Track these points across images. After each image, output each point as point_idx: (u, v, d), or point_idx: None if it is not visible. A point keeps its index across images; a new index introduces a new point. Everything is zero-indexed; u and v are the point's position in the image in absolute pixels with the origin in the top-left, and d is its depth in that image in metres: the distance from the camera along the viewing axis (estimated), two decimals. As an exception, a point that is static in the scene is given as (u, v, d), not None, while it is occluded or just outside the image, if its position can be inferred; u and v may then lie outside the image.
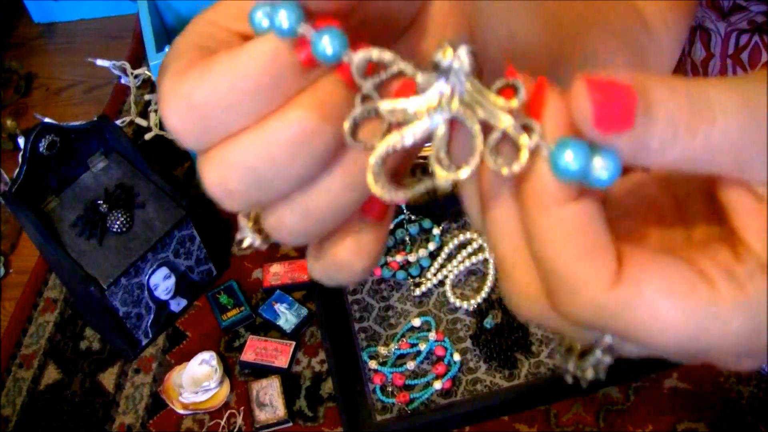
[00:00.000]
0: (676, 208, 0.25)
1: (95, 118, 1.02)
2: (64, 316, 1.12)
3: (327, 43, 0.21)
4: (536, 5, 0.35)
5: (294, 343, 1.02)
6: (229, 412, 0.98)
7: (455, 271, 1.04)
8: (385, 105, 0.22)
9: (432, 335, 0.98)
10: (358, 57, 0.21)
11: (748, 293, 0.20)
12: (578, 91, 0.19)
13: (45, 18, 1.69)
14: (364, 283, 1.05)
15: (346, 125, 0.21)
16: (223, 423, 0.97)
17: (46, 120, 1.35)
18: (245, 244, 0.26)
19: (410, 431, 0.92)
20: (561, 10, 0.38)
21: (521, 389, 0.93)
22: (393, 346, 0.98)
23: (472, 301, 1.00)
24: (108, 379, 1.04)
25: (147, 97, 1.42)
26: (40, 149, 0.95)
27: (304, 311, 1.05)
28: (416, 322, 1.00)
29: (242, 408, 0.98)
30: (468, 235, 1.07)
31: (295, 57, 0.21)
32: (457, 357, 0.96)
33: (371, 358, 0.98)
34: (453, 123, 0.22)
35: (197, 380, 0.98)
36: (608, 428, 0.90)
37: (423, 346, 0.97)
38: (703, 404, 0.90)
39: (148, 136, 1.34)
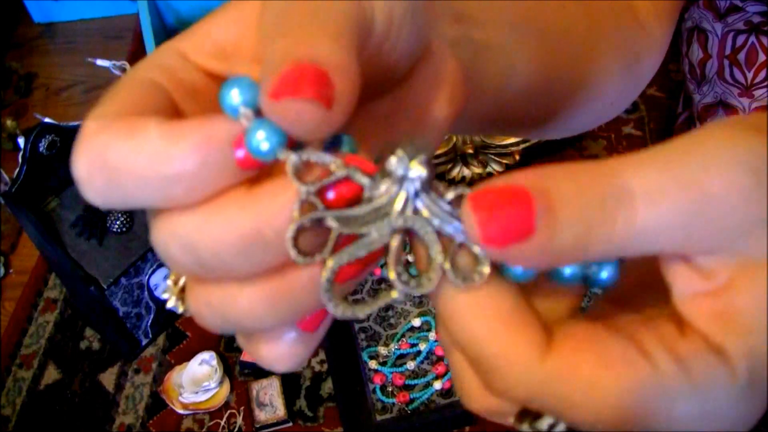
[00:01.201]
0: (648, 289, 0.23)
1: (95, 119, 1.02)
2: (64, 316, 1.12)
3: (262, 139, 0.19)
4: (530, 29, 0.35)
5: (294, 343, 1.02)
6: (229, 412, 0.98)
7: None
8: (333, 215, 0.20)
9: (432, 335, 0.98)
10: (293, 159, 0.19)
11: (693, 376, 0.18)
12: (464, 211, 0.18)
13: (45, 18, 1.69)
14: (364, 283, 1.05)
15: (288, 237, 0.19)
16: (223, 423, 0.97)
17: (46, 120, 1.35)
18: (168, 305, 0.24)
19: (410, 431, 0.92)
20: (555, 21, 0.37)
21: (521, 389, 0.93)
22: (393, 346, 0.99)
23: (472, 301, 1.00)
24: (108, 379, 1.04)
25: (147, 97, 1.42)
26: (40, 149, 0.95)
27: (304, 311, 1.05)
28: (416, 322, 1.00)
29: (242, 408, 0.98)
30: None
31: (232, 153, 0.19)
32: (456, 357, 0.96)
33: (371, 358, 0.98)
34: (407, 233, 0.21)
35: (197, 380, 0.99)
36: (607, 428, 0.90)
37: (423, 346, 0.97)
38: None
39: (148, 137, 1.34)
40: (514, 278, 0.20)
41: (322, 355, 1.01)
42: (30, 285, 1.17)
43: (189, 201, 0.19)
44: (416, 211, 0.20)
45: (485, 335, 0.19)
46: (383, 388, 0.95)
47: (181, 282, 0.23)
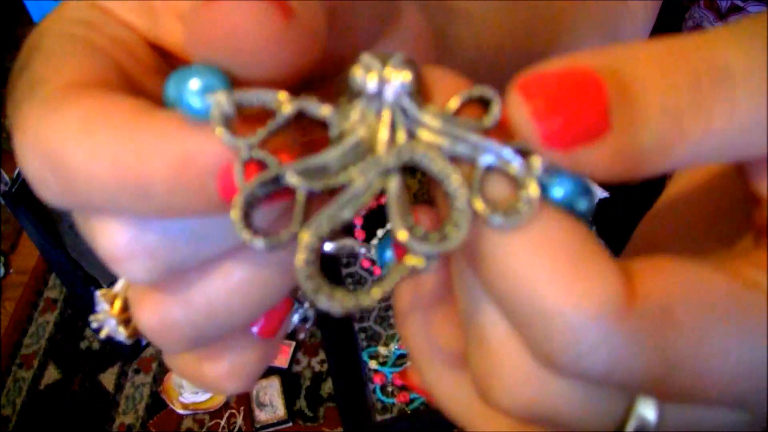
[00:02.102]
0: (708, 228, 0.18)
1: (95, 119, 1.02)
2: (64, 316, 1.12)
3: (196, 89, 0.14)
4: (505, 5, 0.34)
5: (294, 343, 1.02)
6: (229, 412, 0.98)
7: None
8: (293, 169, 0.14)
9: (432, 335, 0.98)
10: (221, 102, 0.14)
11: None
12: (512, 103, 0.13)
13: (45, 18, 1.69)
14: (364, 283, 1.05)
15: (236, 214, 0.14)
16: (223, 423, 0.97)
17: (46, 120, 1.35)
18: (103, 333, 0.20)
19: (410, 431, 0.92)
20: (537, 2, 0.36)
21: (521, 389, 0.93)
22: (393, 346, 0.98)
23: (472, 301, 1.00)
24: (108, 379, 1.04)
25: (147, 97, 1.42)
26: (40, 149, 0.95)
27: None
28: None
29: (242, 408, 0.98)
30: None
31: (213, 183, 0.14)
32: (456, 357, 0.96)
33: (371, 358, 0.98)
34: (404, 171, 0.14)
35: (197, 380, 0.99)
36: (608, 428, 0.89)
37: (423, 346, 0.97)
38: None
39: (148, 136, 1.34)
40: (566, 207, 0.14)
41: (322, 355, 1.01)
42: (30, 285, 1.17)
43: (154, 206, 0.15)
44: (411, 135, 0.14)
45: (547, 283, 0.13)
46: (383, 388, 0.95)
47: (117, 303, 0.19)
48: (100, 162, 0.14)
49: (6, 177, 1.24)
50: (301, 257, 0.14)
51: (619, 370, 0.13)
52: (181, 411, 0.98)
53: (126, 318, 0.19)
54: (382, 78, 0.14)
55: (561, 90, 0.13)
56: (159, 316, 0.17)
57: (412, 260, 0.14)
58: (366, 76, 0.14)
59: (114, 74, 0.16)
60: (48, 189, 0.16)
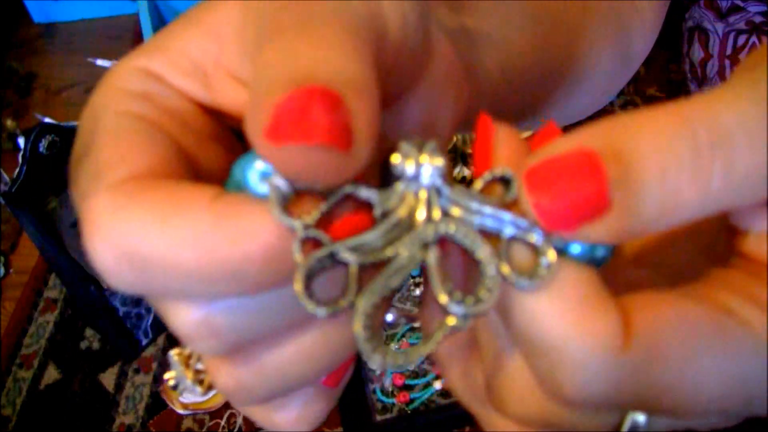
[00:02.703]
0: (688, 239, 0.20)
1: (95, 119, 1.02)
2: (64, 316, 1.12)
3: (256, 178, 0.16)
4: (525, 16, 0.34)
5: (294, 343, 1.02)
6: (229, 412, 0.98)
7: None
8: (345, 245, 0.16)
9: (432, 335, 0.98)
10: (279, 186, 0.15)
11: None
12: (519, 191, 0.15)
13: (45, 18, 1.69)
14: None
15: (298, 287, 0.15)
16: (223, 423, 0.97)
17: (46, 120, 1.35)
18: (179, 389, 0.21)
19: (410, 431, 0.92)
20: (548, 5, 0.37)
21: (521, 389, 0.93)
22: (393, 346, 0.98)
23: (472, 301, 1.00)
24: (108, 379, 1.04)
25: (147, 97, 1.42)
26: (40, 149, 0.95)
27: (304, 311, 1.05)
28: (416, 322, 1.00)
29: (242, 408, 0.98)
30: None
31: (288, 252, 0.15)
32: (456, 357, 0.96)
33: (371, 358, 0.98)
34: (442, 242, 0.16)
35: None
36: (608, 428, 0.89)
37: (423, 346, 0.97)
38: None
39: (148, 136, 1.34)
40: (585, 259, 0.16)
41: (322, 355, 1.01)
42: (30, 285, 1.17)
43: (236, 295, 0.16)
44: (445, 213, 0.16)
45: (558, 326, 0.15)
46: (383, 388, 0.95)
47: (191, 365, 0.20)
48: (183, 252, 0.15)
49: (6, 177, 1.24)
50: (358, 323, 0.16)
51: (615, 396, 0.15)
52: (181, 411, 0.98)
53: (199, 378, 0.19)
54: (418, 163, 0.16)
55: (562, 174, 0.14)
56: (234, 381, 0.18)
57: (452, 321, 0.16)
58: (404, 162, 0.16)
59: (174, 155, 0.17)
60: (123, 280, 0.16)
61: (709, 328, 0.15)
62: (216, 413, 0.97)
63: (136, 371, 1.04)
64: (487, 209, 0.16)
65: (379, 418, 0.93)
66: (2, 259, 1.22)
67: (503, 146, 0.16)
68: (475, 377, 0.21)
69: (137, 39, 1.50)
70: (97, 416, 1.00)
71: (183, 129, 0.18)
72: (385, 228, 0.16)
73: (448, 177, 0.16)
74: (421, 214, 0.16)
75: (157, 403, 1.00)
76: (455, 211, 0.16)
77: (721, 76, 0.58)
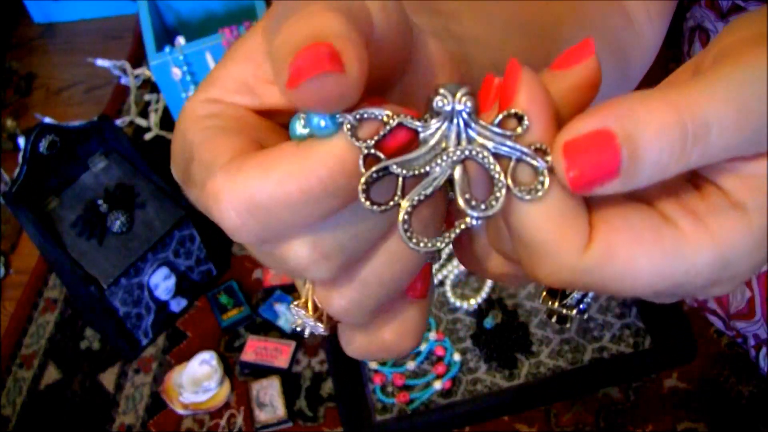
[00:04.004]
0: None
1: (95, 118, 1.02)
2: (64, 316, 1.12)
3: (319, 118, 0.21)
4: (512, 24, 0.36)
5: (294, 343, 1.02)
6: (229, 412, 0.98)
7: (455, 271, 1.04)
8: (395, 162, 0.22)
9: (432, 335, 0.98)
10: (349, 118, 0.21)
11: (711, 229, 0.21)
12: (555, 156, 0.20)
13: (45, 18, 1.69)
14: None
15: (361, 191, 0.21)
16: (223, 423, 0.97)
17: (46, 120, 1.35)
18: (307, 333, 0.27)
19: (410, 431, 0.92)
20: (540, 18, 0.38)
21: (521, 389, 0.93)
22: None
23: (472, 301, 1.00)
24: (108, 379, 1.04)
25: (147, 97, 1.42)
26: (40, 149, 0.95)
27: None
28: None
29: (242, 408, 0.98)
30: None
31: (356, 165, 0.21)
32: (457, 357, 0.96)
33: (371, 358, 0.98)
34: (465, 162, 0.22)
35: (197, 380, 0.98)
36: (608, 428, 0.90)
37: (423, 346, 0.97)
38: (703, 404, 0.90)
39: (148, 136, 1.34)
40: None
41: (322, 355, 1.01)
42: (30, 285, 1.17)
43: (336, 208, 0.21)
44: (470, 140, 0.21)
45: (541, 227, 0.21)
46: (383, 388, 0.95)
47: (309, 307, 0.26)
48: (288, 186, 0.20)
49: (6, 177, 1.24)
50: (401, 217, 0.22)
51: (573, 282, 0.21)
52: (181, 411, 0.98)
53: (319, 315, 0.26)
54: (452, 103, 0.21)
55: (589, 149, 0.20)
56: (346, 300, 0.24)
57: (467, 219, 0.22)
58: (442, 101, 0.21)
59: (250, 142, 0.22)
60: (249, 231, 0.21)
61: (648, 234, 0.21)
62: (216, 413, 0.97)
63: (136, 371, 1.04)
64: (501, 138, 0.21)
65: (379, 418, 0.93)
66: (2, 259, 1.22)
67: (524, 90, 0.21)
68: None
69: (137, 39, 1.50)
70: (97, 416, 1.00)
71: (247, 126, 0.23)
72: (425, 150, 0.22)
73: (475, 113, 0.21)
74: (452, 141, 0.22)
75: (157, 403, 1.00)
76: (478, 139, 0.21)
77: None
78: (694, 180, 0.22)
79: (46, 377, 1.05)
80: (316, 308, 0.26)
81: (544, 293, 0.27)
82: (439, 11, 0.31)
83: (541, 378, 0.94)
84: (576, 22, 0.40)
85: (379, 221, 0.23)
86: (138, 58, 1.49)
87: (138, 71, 1.46)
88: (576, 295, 0.25)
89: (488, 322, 0.99)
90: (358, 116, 0.21)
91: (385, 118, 0.21)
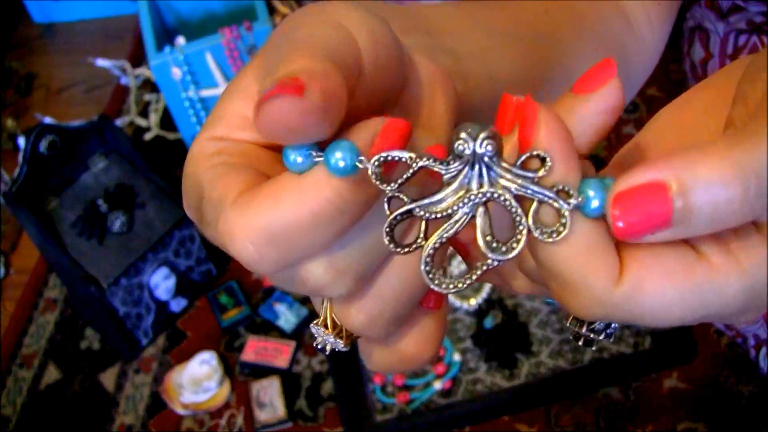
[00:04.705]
0: None
1: (95, 118, 1.02)
2: (64, 316, 1.12)
3: (339, 158, 0.21)
4: (509, 34, 0.36)
5: (294, 343, 1.02)
6: (229, 412, 0.98)
7: (455, 272, 1.04)
8: (418, 206, 0.22)
9: (432, 335, 0.98)
10: (372, 163, 0.22)
11: (740, 260, 0.21)
12: (610, 212, 0.20)
13: (45, 18, 1.69)
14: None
15: (384, 233, 0.22)
16: (223, 423, 0.97)
17: (46, 120, 1.35)
18: (327, 349, 0.27)
19: (410, 431, 0.92)
20: (537, 26, 0.38)
21: (521, 389, 0.93)
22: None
23: (472, 301, 1.00)
24: (108, 379, 1.04)
25: (147, 97, 1.42)
26: (40, 149, 0.95)
27: (304, 311, 1.05)
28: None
29: (242, 408, 0.98)
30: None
31: (352, 189, 0.21)
32: (457, 357, 0.96)
33: (371, 358, 0.98)
34: (488, 203, 0.22)
35: (197, 380, 0.98)
36: (608, 428, 0.90)
37: (423, 346, 0.97)
38: (703, 404, 0.90)
39: (148, 136, 1.34)
40: (590, 215, 0.21)
41: (321, 355, 1.01)
42: (30, 285, 1.17)
43: (349, 225, 0.22)
44: (492, 182, 0.22)
45: (572, 262, 0.21)
46: (383, 388, 0.95)
47: (329, 325, 0.26)
48: (299, 211, 0.21)
49: (6, 177, 1.24)
50: (423, 259, 0.22)
51: (605, 316, 0.22)
52: (181, 411, 0.98)
53: (338, 332, 0.27)
54: (473, 148, 0.21)
55: (642, 200, 0.19)
56: (364, 314, 0.25)
57: (488, 261, 0.22)
58: (466, 145, 0.21)
59: (256, 175, 0.23)
60: (269, 260, 0.22)
61: (679, 269, 0.21)
62: (216, 413, 0.97)
63: (136, 371, 1.04)
64: (523, 181, 0.21)
65: (379, 418, 0.93)
66: (2, 259, 1.22)
67: (543, 129, 0.21)
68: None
69: (137, 39, 1.50)
70: (97, 416, 1.00)
71: (251, 159, 0.24)
72: (447, 192, 0.22)
73: (498, 155, 0.21)
74: (474, 183, 0.22)
75: (157, 403, 1.00)
76: (500, 182, 0.22)
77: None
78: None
79: (46, 377, 1.05)
80: (335, 325, 0.26)
81: (572, 316, 0.27)
82: (430, 30, 0.32)
83: (541, 378, 0.94)
84: (574, 28, 0.40)
85: (382, 238, 0.23)
86: (138, 58, 1.50)
87: (138, 71, 1.46)
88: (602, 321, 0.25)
89: (488, 322, 0.99)
90: (382, 159, 0.22)
91: (410, 161, 0.22)
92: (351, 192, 0.21)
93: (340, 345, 0.27)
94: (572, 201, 0.21)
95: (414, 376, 0.95)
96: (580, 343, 0.26)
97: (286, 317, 1.04)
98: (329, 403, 0.97)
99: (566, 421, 0.91)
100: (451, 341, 0.98)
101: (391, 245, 0.22)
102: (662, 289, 0.21)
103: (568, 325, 0.27)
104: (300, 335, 1.04)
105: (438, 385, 0.94)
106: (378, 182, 0.22)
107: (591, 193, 0.21)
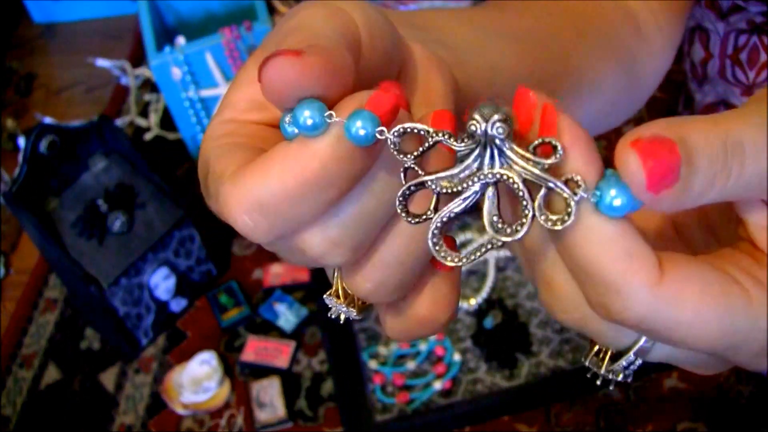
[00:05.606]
0: (704, 231, 0.27)
1: (95, 118, 1.02)
2: (64, 316, 1.12)
3: (360, 126, 0.22)
4: (506, 35, 0.37)
5: (294, 343, 1.02)
6: (229, 412, 0.98)
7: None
8: (431, 179, 0.23)
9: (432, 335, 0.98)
10: (392, 134, 0.22)
11: None
12: (630, 159, 0.20)
13: (45, 18, 1.69)
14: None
15: (398, 202, 0.23)
16: (223, 423, 0.97)
17: (46, 120, 1.35)
18: (341, 318, 0.28)
19: (410, 431, 0.92)
20: (536, 30, 0.39)
21: (521, 389, 0.93)
22: (393, 346, 0.98)
23: (472, 301, 1.00)
24: (108, 379, 1.04)
25: (147, 97, 1.42)
26: (40, 149, 0.95)
27: (304, 311, 1.05)
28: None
29: (242, 408, 0.98)
30: (468, 235, 1.07)
31: (349, 143, 0.22)
32: (457, 357, 0.96)
33: (371, 357, 0.98)
34: (497, 185, 0.23)
35: (197, 380, 0.98)
36: (608, 428, 0.90)
37: (423, 346, 0.97)
38: (703, 404, 0.90)
39: (148, 136, 1.34)
40: (612, 213, 0.21)
41: (322, 355, 1.01)
42: (30, 285, 1.17)
43: (338, 196, 0.23)
44: (503, 164, 0.22)
45: (612, 264, 0.21)
46: (383, 388, 0.95)
47: (340, 295, 0.27)
48: (288, 181, 0.22)
49: (6, 177, 1.24)
50: (430, 231, 0.23)
51: (641, 320, 0.21)
52: (181, 411, 0.98)
53: (350, 301, 0.27)
54: (485, 130, 0.21)
55: (657, 154, 0.20)
56: (369, 282, 0.25)
57: (492, 240, 0.22)
58: (478, 125, 0.21)
59: (259, 152, 0.24)
60: (263, 230, 0.23)
61: (718, 288, 0.21)
62: (216, 413, 0.97)
63: (136, 371, 1.04)
64: (533, 167, 0.21)
65: (379, 418, 0.93)
66: (2, 259, 1.22)
67: (566, 132, 0.21)
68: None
69: (137, 39, 1.50)
70: (97, 416, 1.00)
71: (258, 140, 0.26)
72: (459, 169, 0.22)
73: (509, 137, 0.22)
74: (486, 163, 0.22)
75: (157, 403, 1.00)
76: (512, 165, 0.22)
77: (722, 75, 0.58)
78: (745, 249, 0.23)
79: (46, 377, 1.05)
80: (346, 295, 0.27)
81: (591, 354, 0.27)
82: (427, 27, 0.33)
83: (541, 378, 0.94)
84: (579, 30, 0.41)
85: (378, 207, 0.24)
86: (138, 58, 1.49)
87: (138, 71, 1.46)
88: (624, 362, 0.25)
89: (488, 322, 0.99)
90: (402, 130, 0.22)
91: (427, 135, 0.22)
92: (335, 160, 0.22)
93: (353, 314, 0.27)
94: (579, 191, 0.21)
95: (414, 376, 0.95)
96: (597, 382, 0.27)
97: (286, 317, 1.04)
98: (329, 403, 0.97)
99: (566, 421, 0.91)
100: (451, 341, 0.98)
101: (403, 214, 0.23)
102: (700, 303, 0.21)
103: (587, 364, 0.27)
104: (300, 335, 1.04)
105: (438, 385, 0.94)
106: (396, 152, 0.22)
107: (613, 192, 0.21)
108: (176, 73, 1.12)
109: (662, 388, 0.92)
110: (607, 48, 0.43)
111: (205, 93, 1.16)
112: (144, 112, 1.40)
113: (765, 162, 0.21)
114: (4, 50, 1.63)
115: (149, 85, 1.44)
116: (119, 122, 1.35)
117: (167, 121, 1.33)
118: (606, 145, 1.19)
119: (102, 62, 1.46)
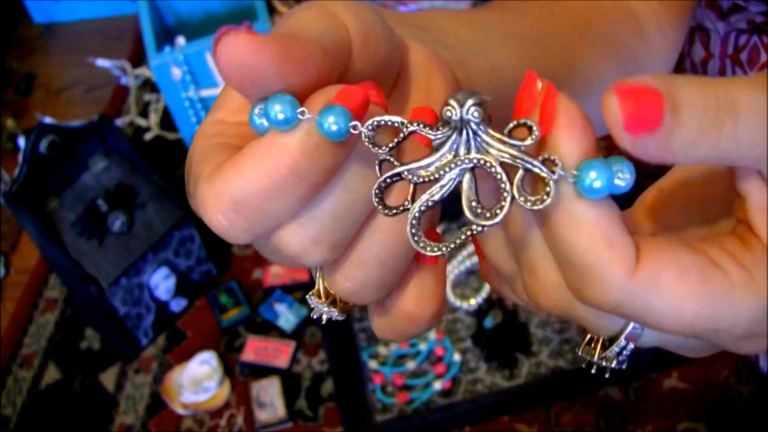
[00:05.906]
0: (697, 208, 0.27)
1: (95, 118, 1.02)
2: (64, 316, 1.12)
3: (332, 122, 0.21)
4: (508, 35, 0.37)
5: (294, 343, 1.02)
6: (229, 412, 0.98)
7: (455, 271, 1.04)
8: (406, 169, 0.22)
9: (432, 335, 0.98)
10: (366, 127, 0.22)
11: (754, 278, 0.21)
12: (610, 101, 0.20)
13: (45, 18, 1.69)
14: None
15: (374, 195, 0.23)
16: (223, 423, 0.97)
17: (46, 120, 1.35)
18: (324, 318, 0.27)
19: (410, 431, 0.92)
20: (536, 31, 0.39)
21: (521, 389, 0.93)
22: (393, 346, 0.98)
23: (472, 301, 1.00)
24: (108, 379, 1.04)
25: (147, 97, 1.42)
26: (40, 149, 0.95)
27: (304, 311, 1.05)
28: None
29: (242, 408, 0.98)
30: (468, 235, 1.07)
31: (319, 136, 0.22)
32: (457, 357, 0.96)
33: (371, 357, 0.98)
34: (475, 170, 0.22)
35: (197, 380, 0.98)
36: (608, 428, 0.90)
37: (423, 346, 0.97)
38: (703, 404, 0.90)
39: (148, 136, 1.34)
40: (619, 191, 0.21)
41: (322, 355, 1.01)
42: (30, 285, 1.17)
43: (312, 192, 0.22)
44: (479, 149, 0.22)
45: (590, 248, 0.21)
46: (383, 388, 0.95)
47: (322, 295, 0.27)
48: (258, 178, 0.22)
49: (6, 177, 1.24)
50: (409, 221, 0.23)
51: (618, 306, 0.21)
52: (181, 411, 0.98)
53: (332, 300, 0.27)
54: (460, 115, 0.21)
55: (638, 97, 0.20)
56: (350, 280, 0.25)
57: (472, 227, 0.22)
58: (453, 111, 0.21)
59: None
60: (238, 229, 0.23)
61: (695, 273, 0.21)
62: (216, 413, 0.98)
63: (136, 371, 1.04)
64: (510, 149, 0.21)
65: (379, 418, 0.93)
66: (2, 259, 1.22)
67: (562, 116, 0.21)
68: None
69: (137, 39, 1.50)
70: (97, 416, 1.00)
71: (246, 142, 0.24)
72: (435, 157, 0.22)
73: (485, 122, 0.22)
74: (462, 149, 0.22)
75: (157, 403, 1.00)
76: (488, 149, 0.22)
77: (722, 75, 0.58)
78: (738, 232, 0.23)
79: (46, 377, 1.05)
80: (328, 294, 0.27)
81: (584, 344, 0.27)
82: (427, 27, 0.33)
83: (541, 378, 0.94)
84: (581, 30, 0.41)
85: (355, 203, 0.23)
86: (138, 58, 1.50)
87: (138, 71, 1.46)
88: (616, 348, 0.25)
89: (488, 322, 0.99)
90: (375, 123, 0.22)
91: (402, 126, 0.22)
92: (306, 154, 0.22)
93: (335, 314, 0.27)
94: (556, 170, 0.21)
95: (414, 376, 0.95)
96: (593, 371, 0.27)
97: (286, 317, 1.04)
98: (329, 403, 0.97)
99: (566, 421, 0.91)
100: (451, 341, 0.98)
101: (380, 207, 0.23)
102: (678, 288, 0.21)
103: (580, 353, 0.27)
104: (300, 335, 1.04)
105: (438, 385, 0.93)
106: (370, 146, 0.22)
107: (593, 174, 0.21)
108: (176, 73, 1.12)
109: (662, 388, 0.92)
110: (609, 48, 0.43)
111: (205, 93, 1.16)
112: (144, 112, 1.40)
113: (765, 123, 0.20)
114: (4, 50, 1.63)
115: (149, 85, 1.44)
116: (119, 122, 1.35)
117: (167, 121, 1.33)
118: (606, 145, 1.19)
119: (102, 62, 1.46)
